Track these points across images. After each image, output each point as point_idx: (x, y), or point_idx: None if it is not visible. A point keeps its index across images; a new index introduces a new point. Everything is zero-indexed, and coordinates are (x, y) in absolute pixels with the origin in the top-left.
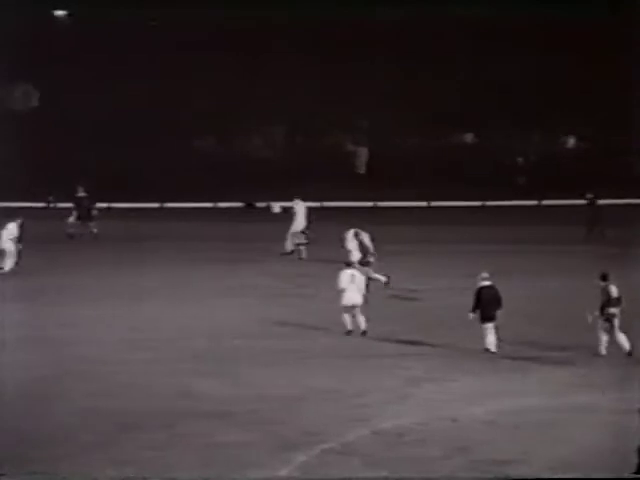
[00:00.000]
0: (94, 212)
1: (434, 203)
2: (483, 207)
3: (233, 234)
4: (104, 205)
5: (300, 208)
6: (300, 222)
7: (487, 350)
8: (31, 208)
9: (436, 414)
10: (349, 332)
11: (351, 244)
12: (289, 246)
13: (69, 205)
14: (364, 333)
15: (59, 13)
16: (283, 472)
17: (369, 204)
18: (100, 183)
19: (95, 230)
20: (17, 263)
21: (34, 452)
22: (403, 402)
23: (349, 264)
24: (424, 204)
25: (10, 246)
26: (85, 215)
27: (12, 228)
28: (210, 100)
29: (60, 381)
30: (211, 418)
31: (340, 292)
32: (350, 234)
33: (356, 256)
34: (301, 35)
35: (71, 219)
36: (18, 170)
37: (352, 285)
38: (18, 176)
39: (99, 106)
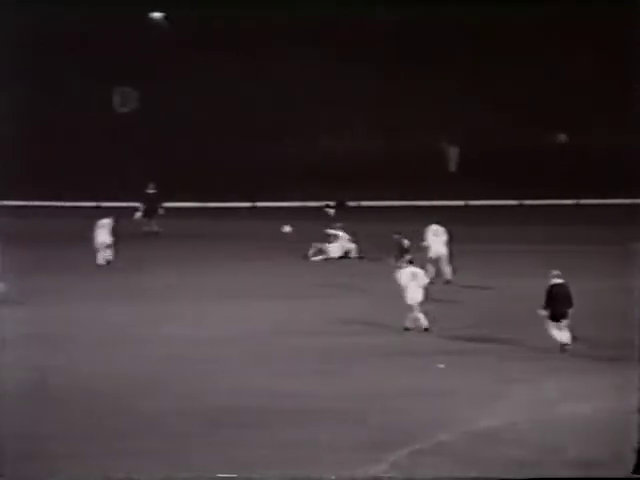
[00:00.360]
0: (159, 211)
1: (527, 202)
2: (577, 206)
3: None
4: (196, 204)
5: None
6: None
7: (563, 346)
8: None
9: (527, 414)
10: (407, 329)
11: (429, 241)
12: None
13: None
14: (426, 330)
15: (156, 15)
16: (372, 471)
17: (460, 203)
18: (196, 183)
19: (156, 228)
20: (109, 261)
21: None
22: (493, 402)
23: (410, 262)
24: (515, 203)
25: (105, 240)
26: (150, 212)
27: (107, 224)
28: (299, 99)
29: (158, 379)
30: (299, 417)
31: (402, 290)
32: (430, 231)
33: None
34: (402, 36)
35: (137, 215)
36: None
37: (413, 283)
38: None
39: (196, 107)
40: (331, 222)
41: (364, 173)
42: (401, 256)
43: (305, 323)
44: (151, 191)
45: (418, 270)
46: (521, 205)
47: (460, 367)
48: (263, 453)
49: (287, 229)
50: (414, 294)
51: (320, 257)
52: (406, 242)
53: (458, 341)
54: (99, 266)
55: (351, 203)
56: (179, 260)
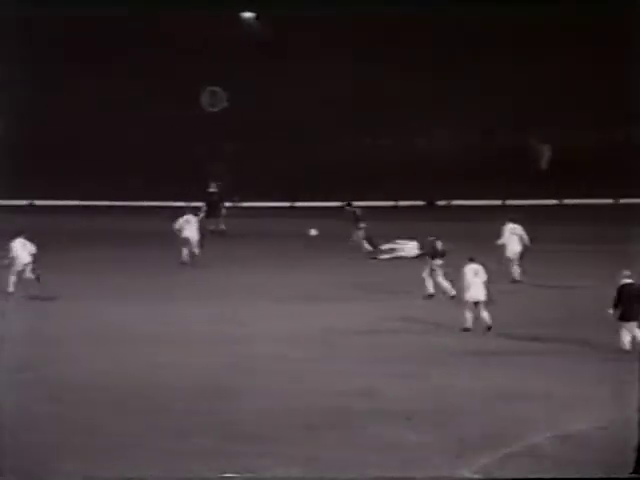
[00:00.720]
0: (223, 210)
1: (623, 201)
2: None
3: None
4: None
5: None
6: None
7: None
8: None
9: (615, 415)
10: (467, 329)
11: (505, 239)
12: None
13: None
14: (489, 329)
15: (246, 15)
16: (462, 474)
17: (552, 202)
18: (290, 183)
19: (223, 226)
20: (193, 255)
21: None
22: (578, 403)
23: (472, 259)
24: (610, 201)
25: (193, 236)
26: (213, 211)
27: (193, 220)
28: (393, 98)
29: (239, 378)
30: (382, 418)
31: (464, 288)
32: (507, 229)
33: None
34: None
35: (201, 215)
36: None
37: (476, 280)
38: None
39: (286, 105)
40: (358, 222)
41: (454, 171)
42: (433, 258)
43: (369, 323)
44: (213, 190)
45: (480, 267)
46: (616, 204)
47: (536, 368)
48: (347, 454)
49: (313, 232)
50: (476, 292)
51: (390, 256)
52: (440, 244)
53: (526, 341)
54: (183, 263)
55: (440, 202)
56: (250, 259)
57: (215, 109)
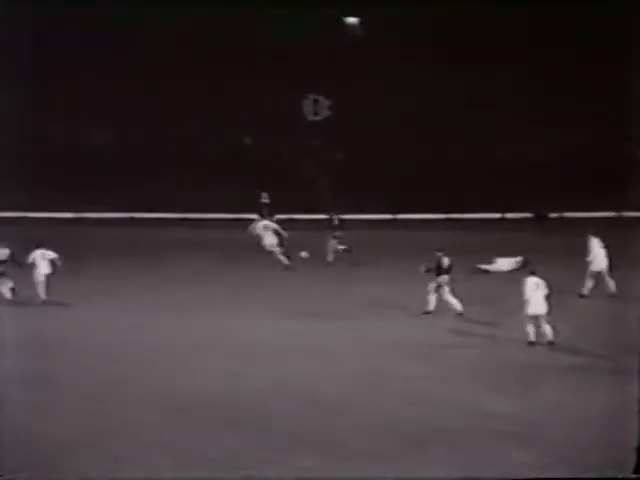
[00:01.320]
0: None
1: None
2: None
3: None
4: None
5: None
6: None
7: None
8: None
9: None
10: (532, 343)
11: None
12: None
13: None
14: (551, 344)
15: (350, 21)
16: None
17: None
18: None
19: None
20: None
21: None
22: None
23: (533, 272)
24: None
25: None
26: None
27: (270, 226)
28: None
29: (348, 393)
30: (499, 438)
31: (525, 301)
32: (594, 243)
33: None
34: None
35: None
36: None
37: (537, 293)
38: None
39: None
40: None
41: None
42: (438, 274)
43: (439, 336)
44: (265, 201)
45: (541, 281)
46: None
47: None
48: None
49: (304, 254)
50: (537, 305)
51: (487, 267)
52: (446, 261)
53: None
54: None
55: (552, 214)
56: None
57: (318, 117)
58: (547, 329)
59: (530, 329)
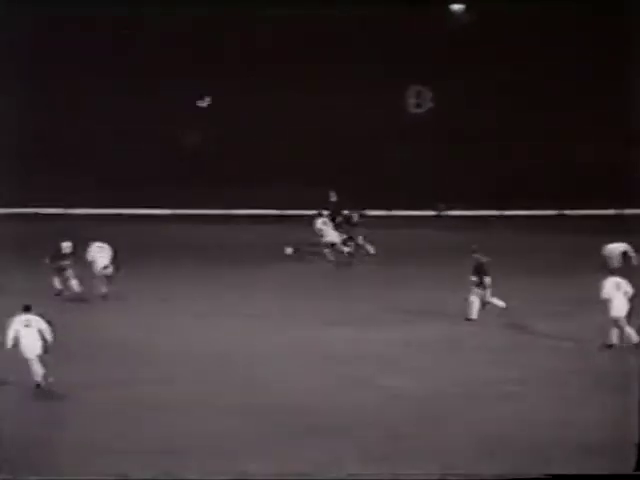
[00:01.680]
0: (338, 219)
1: None
2: None
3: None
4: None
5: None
6: None
7: None
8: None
9: None
10: (610, 346)
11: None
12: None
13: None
14: (637, 346)
15: (456, 7)
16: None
17: None
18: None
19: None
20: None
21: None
22: None
23: (612, 272)
24: None
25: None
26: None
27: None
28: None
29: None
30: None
31: (605, 302)
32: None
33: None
34: None
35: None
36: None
37: (618, 294)
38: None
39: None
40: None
41: None
42: (477, 274)
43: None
44: (333, 199)
45: (622, 280)
46: None
47: None
48: None
49: (289, 251)
50: (619, 306)
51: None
52: (484, 260)
53: None
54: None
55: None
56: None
57: (421, 110)
58: (631, 332)
59: (613, 331)
